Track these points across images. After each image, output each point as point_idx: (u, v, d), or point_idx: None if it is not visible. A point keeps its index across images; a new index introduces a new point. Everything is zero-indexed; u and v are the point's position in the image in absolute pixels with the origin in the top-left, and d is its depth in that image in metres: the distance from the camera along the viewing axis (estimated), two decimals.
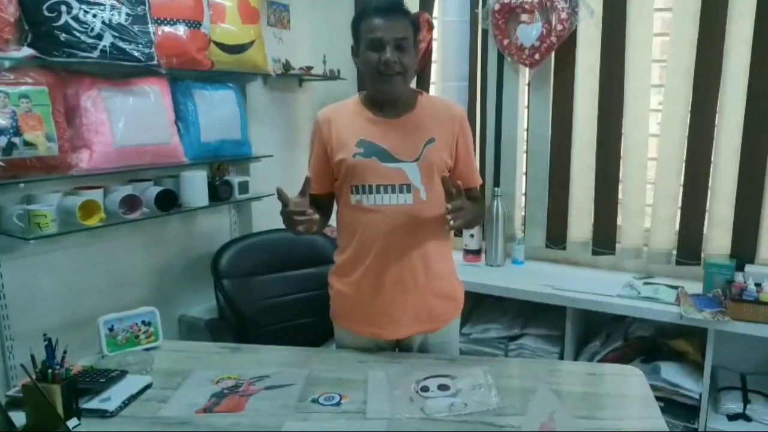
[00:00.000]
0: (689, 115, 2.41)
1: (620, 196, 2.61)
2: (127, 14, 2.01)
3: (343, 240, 1.76)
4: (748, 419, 2.13)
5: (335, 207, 1.82)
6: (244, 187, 2.55)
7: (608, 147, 2.59)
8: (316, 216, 1.60)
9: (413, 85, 2.94)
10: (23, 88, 1.79)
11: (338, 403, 1.49)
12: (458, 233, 2.77)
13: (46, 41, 1.83)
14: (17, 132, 1.76)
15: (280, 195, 1.54)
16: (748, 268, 2.30)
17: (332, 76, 2.88)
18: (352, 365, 1.70)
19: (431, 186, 1.66)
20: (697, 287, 2.35)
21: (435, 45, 2.92)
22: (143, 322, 1.81)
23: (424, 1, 2.87)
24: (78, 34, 1.88)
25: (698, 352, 2.24)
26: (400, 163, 1.65)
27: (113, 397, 1.49)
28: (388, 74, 1.59)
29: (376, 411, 1.45)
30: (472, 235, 2.79)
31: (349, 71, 3.01)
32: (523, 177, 2.87)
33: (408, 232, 1.66)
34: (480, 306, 2.78)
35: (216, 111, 2.39)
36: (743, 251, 2.38)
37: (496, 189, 2.77)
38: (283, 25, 2.84)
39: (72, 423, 1.35)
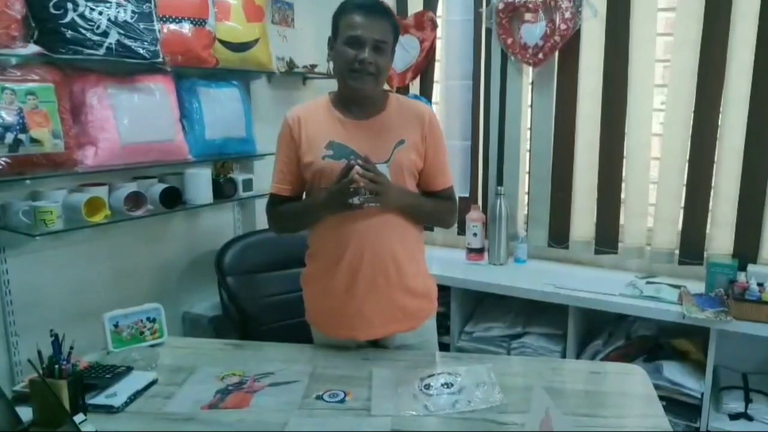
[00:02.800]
0: (692, 114, 2.42)
1: (623, 195, 2.62)
2: (133, 12, 2.02)
3: (314, 243, 1.76)
4: (749, 419, 2.14)
5: None
6: (248, 184, 2.56)
7: (611, 146, 2.59)
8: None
9: (418, 85, 2.99)
10: (29, 85, 1.80)
11: (342, 400, 1.49)
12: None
13: (52, 38, 1.84)
14: (23, 129, 1.77)
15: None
16: (750, 267, 2.30)
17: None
18: (356, 362, 1.70)
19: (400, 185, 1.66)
20: (699, 287, 2.35)
21: (439, 44, 2.92)
22: (148, 319, 1.82)
23: (428, 0, 2.88)
24: (84, 32, 1.89)
25: (700, 352, 2.25)
26: None
27: (119, 392, 1.50)
28: (360, 72, 1.58)
29: (380, 408, 1.45)
30: (475, 234, 2.79)
31: None
32: (526, 176, 2.87)
33: (379, 233, 1.66)
34: (482, 304, 2.78)
35: (220, 109, 2.40)
36: (746, 251, 2.39)
37: (499, 188, 2.78)
38: (288, 23, 2.85)
39: (78, 418, 1.36)
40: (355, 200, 1.55)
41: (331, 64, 1.84)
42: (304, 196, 1.77)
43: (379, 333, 1.75)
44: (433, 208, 1.76)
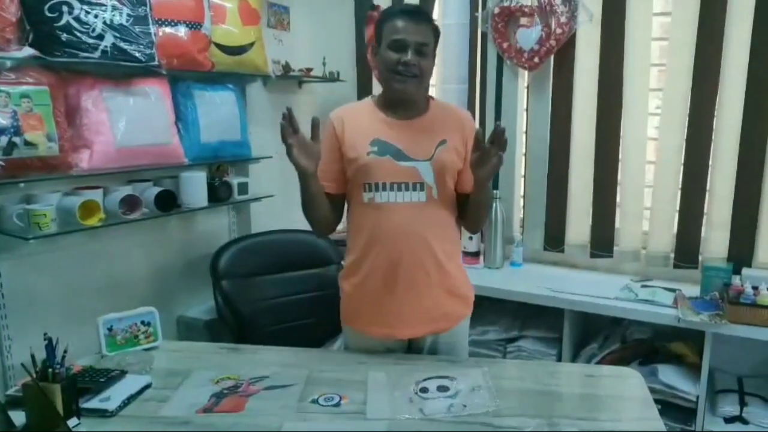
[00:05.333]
0: (687, 118, 2.43)
1: (618, 198, 2.63)
2: (129, 15, 2.01)
3: (354, 239, 1.76)
4: (744, 422, 2.14)
5: (345, 208, 1.82)
6: (243, 188, 2.55)
7: (607, 150, 2.60)
8: (310, 141, 1.59)
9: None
10: (24, 87, 1.79)
11: (338, 404, 1.49)
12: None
13: (47, 41, 1.83)
14: (18, 131, 1.76)
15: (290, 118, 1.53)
16: (745, 271, 2.31)
17: (332, 77, 2.89)
18: (352, 366, 1.70)
19: (443, 185, 1.69)
20: (694, 290, 2.36)
21: None
22: (142, 322, 1.82)
23: (424, 4, 2.88)
24: (79, 35, 1.88)
25: (695, 355, 2.25)
26: (414, 161, 1.67)
27: (113, 396, 1.49)
28: (404, 75, 1.62)
29: (375, 412, 1.45)
30: (470, 238, 2.79)
31: (348, 73, 3.02)
32: (522, 179, 2.87)
33: (420, 229, 1.68)
34: (478, 308, 2.73)
35: (216, 112, 2.39)
36: (740, 254, 2.39)
37: (494, 191, 2.78)
38: (283, 26, 2.85)
39: (72, 422, 1.35)
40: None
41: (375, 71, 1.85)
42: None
43: (416, 332, 1.76)
44: (487, 198, 1.80)
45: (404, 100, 1.70)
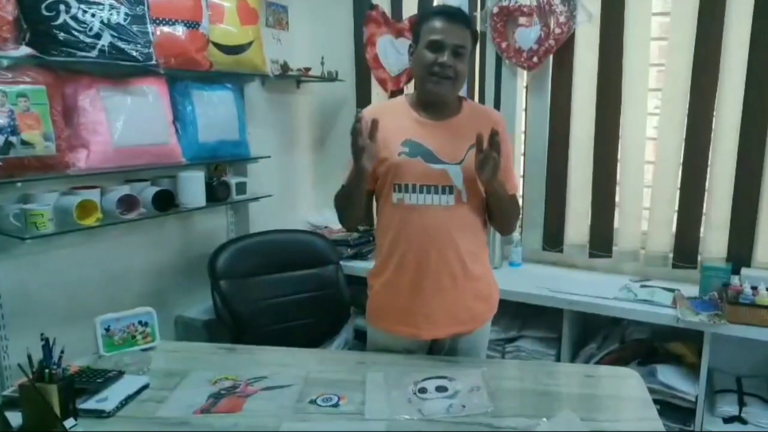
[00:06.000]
0: (686, 118, 2.42)
1: (617, 198, 2.62)
2: (126, 14, 2.01)
3: (383, 239, 1.77)
4: (743, 422, 2.14)
5: (374, 207, 1.82)
6: (241, 187, 2.55)
7: (606, 150, 2.59)
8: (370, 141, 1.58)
9: (412, 89, 2.99)
10: (21, 86, 1.78)
11: (336, 404, 1.48)
12: None
13: (44, 40, 1.82)
14: (15, 131, 1.76)
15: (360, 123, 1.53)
16: (744, 271, 2.31)
17: (330, 77, 2.89)
18: (350, 366, 1.70)
19: (472, 189, 1.68)
20: (693, 290, 2.35)
21: None
22: (140, 323, 1.81)
23: (422, 4, 2.88)
24: (76, 34, 1.88)
25: (694, 355, 2.25)
26: (444, 164, 1.66)
27: (110, 397, 1.48)
28: (440, 76, 1.62)
29: (374, 412, 1.45)
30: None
31: (347, 73, 3.01)
32: (521, 179, 2.87)
33: (448, 233, 1.68)
34: None
35: (214, 112, 2.39)
36: (739, 254, 2.39)
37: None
38: (282, 26, 2.85)
39: (69, 423, 1.35)
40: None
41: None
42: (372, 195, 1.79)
43: (442, 333, 1.76)
44: (509, 205, 1.76)
45: (437, 101, 1.70)
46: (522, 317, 2.66)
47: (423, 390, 1.54)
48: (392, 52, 2.89)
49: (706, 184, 2.44)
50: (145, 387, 1.56)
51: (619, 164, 2.59)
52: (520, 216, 1.89)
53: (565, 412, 1.45)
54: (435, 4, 2.88)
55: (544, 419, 1.41)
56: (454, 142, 1.68)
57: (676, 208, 2.50)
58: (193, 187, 2.34)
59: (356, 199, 1.71)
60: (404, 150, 1.66)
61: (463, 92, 2.81)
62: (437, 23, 1.62)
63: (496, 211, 1.74)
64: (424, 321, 1.73)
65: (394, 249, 1.72)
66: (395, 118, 1.71)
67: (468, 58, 1.68)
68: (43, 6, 1.81)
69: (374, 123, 1.57)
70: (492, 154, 1.54)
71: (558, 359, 2.45)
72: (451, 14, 1.65)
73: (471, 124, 1.70)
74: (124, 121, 2.06)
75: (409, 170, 1.66)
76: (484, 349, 1.90)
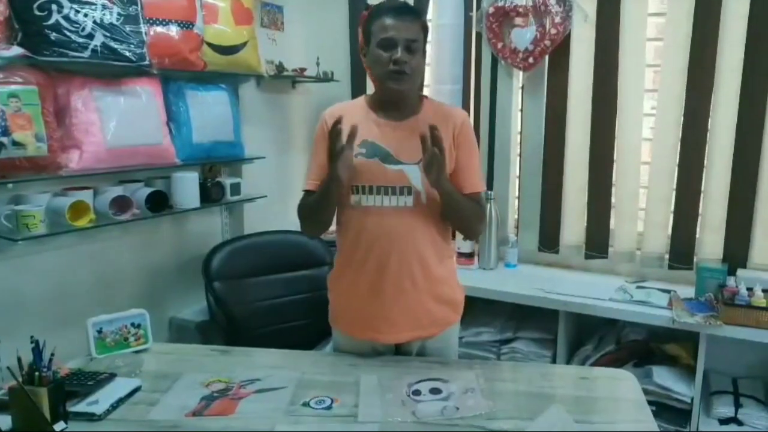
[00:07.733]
0: (682, 119, 2.42)
1: (613, 199, 2.62)
2: (119, 14, 1.99)
3: (342, 241, 1.75)
4: (739, 423, 2.13)
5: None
6: (236, 188, 2.54)
7: (601, 150, 2.59)
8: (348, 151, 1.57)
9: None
10: (13, 87, 1.77)
11: (330, 407, 1.48)
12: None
13: (36, 40, 1.81)
14: (6, 131, 1.74)
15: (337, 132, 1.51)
16: (740, 272, 2.30)
17: (325, 78, 2.88)
18: (344, 368, 1.69)
19: (432, 189, 1.65)
20: (689, 291, 2.35)
21: (429, 48, 2.90)
22: (133, 324, 1.80)
23: (418, 4, 2.87)
24: (69, 34, 1.87)
25: (690, 356, 2.24)
26: (402, 165, 1.65)
27: (101, 400, 1.47)
28: (398, 73, 1.60)
29: (367, 414, 1.44)
30: (465, 239, 2.78)
31: (342, 73, 3.01)
32: (517, 180, 2.87)
33: (407, 234, 1.66)
34: (472, 309, 2.74)
35: (208, 112, 2.38)
36: (735, 255, 2.39)
37: (489, 192, 2.77)
38: (277, 26, 2.83)
39: (59, 426, 1.34)
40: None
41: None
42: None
43: (403, 337, 1.74)
44: (465, 205, 1.69)
45: (398, 100, 1.68)
46: (517, 318, 2.65)
47: (417, 392, 1.53)
48: None
49: (702, 185, 2.43)
50: (137, 389, 1.55)
51: (614, 165, 2.59)
52: (487, 217, 1.84)
53: (553, 406, 1.44)
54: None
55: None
56: (412, 142, 1.62)
57: (672, 209, 2.50)
58: (187, 187, 2.33)
59: (326, 208, 1.68)
60: (361, 151, 1.64)
61: (458, 92, 2.86)
62: (386, 20, 1.60)
63: (450, 212, 1.68)
64: (383, 325, 1.71)
65: (353, 252, 1.69)
66: (354, 119, 1.66)
67: (422, 51, 1.66)
68: (35, 6, 1.80)
69: (353, 128, 1.55)
70: (434, 151, 1.52)
71: (554, 361, 2.44)
72: (399, 9, 1.63)
73: (430, 122, 1.65)
74: (117, 121, 2.05)
75: (366, 172, 1.63)
76: (454, 351, 1.86)
